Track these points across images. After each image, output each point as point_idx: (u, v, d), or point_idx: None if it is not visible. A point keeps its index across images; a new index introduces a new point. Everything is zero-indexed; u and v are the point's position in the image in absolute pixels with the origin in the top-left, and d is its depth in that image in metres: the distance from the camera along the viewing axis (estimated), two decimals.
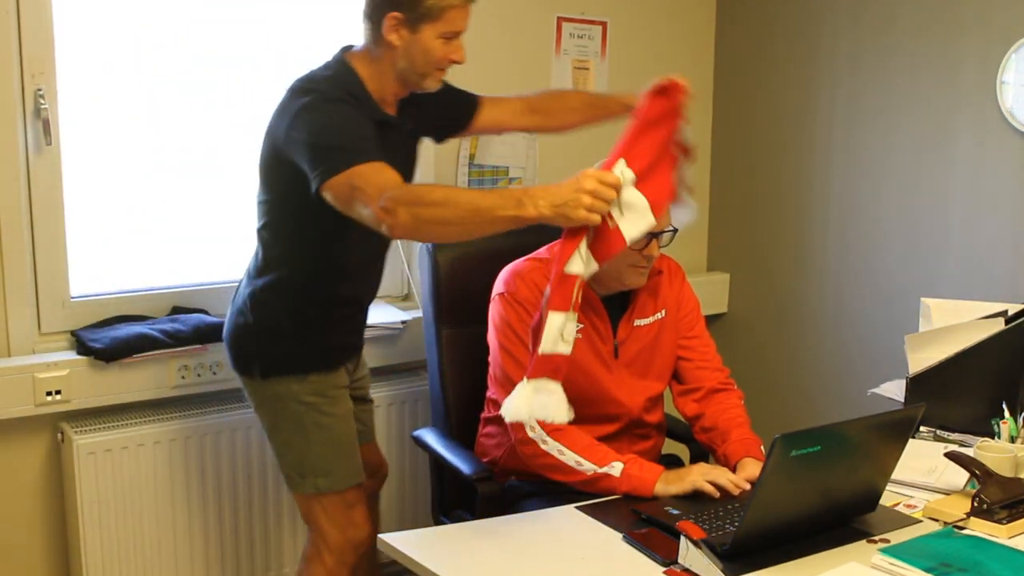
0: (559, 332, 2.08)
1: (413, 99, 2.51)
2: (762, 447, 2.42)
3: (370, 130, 2.30)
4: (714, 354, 2.63)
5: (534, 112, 2.73)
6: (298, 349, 2.51)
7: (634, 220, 2.09)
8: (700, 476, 2.21)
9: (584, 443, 2.32)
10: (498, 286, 2.51)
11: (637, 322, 2.53)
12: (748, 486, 2.21)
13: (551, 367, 2.09)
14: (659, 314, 2.56)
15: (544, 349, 2.07)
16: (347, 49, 2.46)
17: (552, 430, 2.33)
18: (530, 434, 2.34)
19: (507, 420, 2.17)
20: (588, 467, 2.28)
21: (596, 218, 2.03)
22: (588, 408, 2.45)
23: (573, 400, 2.41)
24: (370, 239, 2.34)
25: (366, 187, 2.14)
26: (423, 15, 2.31)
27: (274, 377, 2.51)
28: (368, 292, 2.66)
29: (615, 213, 2.07)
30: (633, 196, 2.08)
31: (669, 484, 2.22)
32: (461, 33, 2.37)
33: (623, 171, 2.08)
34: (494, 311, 2.50)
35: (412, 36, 2.34)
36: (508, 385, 2.40)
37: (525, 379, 2.09)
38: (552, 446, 2.32)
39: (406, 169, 2.51)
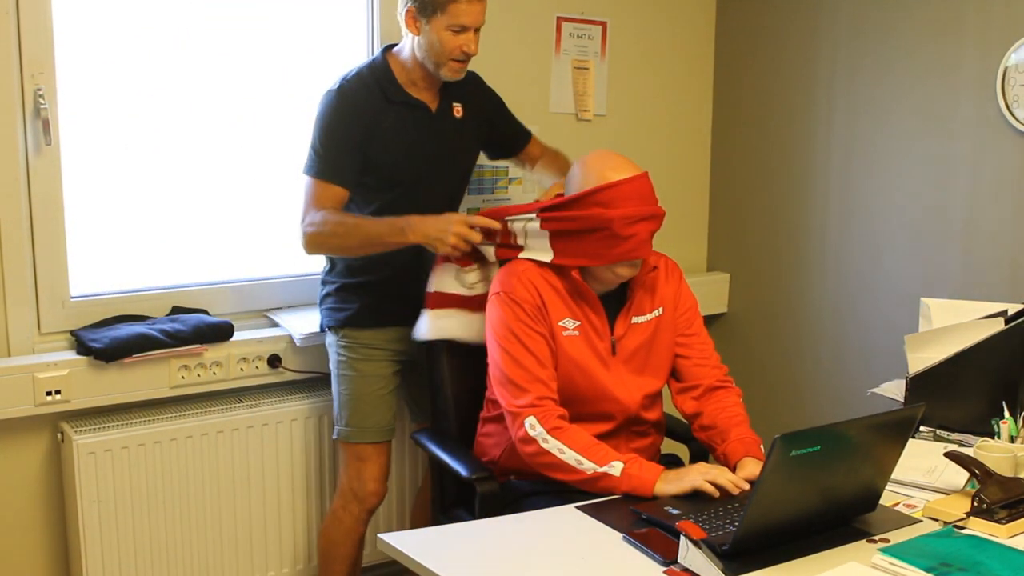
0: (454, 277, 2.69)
1: (467, 94, 2.92)
2: (762, 446, 2.43)
3: (355, 136, 2.74)
4: (712, 351, 2.63)
5: (542, 167, 3.15)
6: (337, 305, 2.91)
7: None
8: (700, 476, 2.21)
9: (585, 442, 2.33)
10: (494, 286, 2.52)
11: (634, 319, 2.54)
12: (748, 486, 2.21)
13: (446, 301, 2.68)
14: (656, 311, 2.56)
15: (435, 288, 2.71)
16: (390, 47, 2.87)
17: (552, 428, 2.33)
18: (530, 432, 2.34)
19: (417, 339, 2.72)
20: (588, 466, 2.28)
21: (457, 253, 2.62)
22: (585, 405, 2.46)
23: (570, 397, 2.43)
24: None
25: (308, 199, 2.73)
26: (431, 8, 2.66)
27: (326, 329, 2.96)
28: (408, 267, 2.85)
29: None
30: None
31: (669, 484, 2.22)
32: (471, 27, 2.70)
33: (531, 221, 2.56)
34: (491, 311, 2.50)
35: (426, 27, 2.69)
36: (508, 385, 2.40)
37: (425, 310, 2.70)
38: (552, 444, 2.32)
39: (436, 146, 2.86)
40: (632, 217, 2.39)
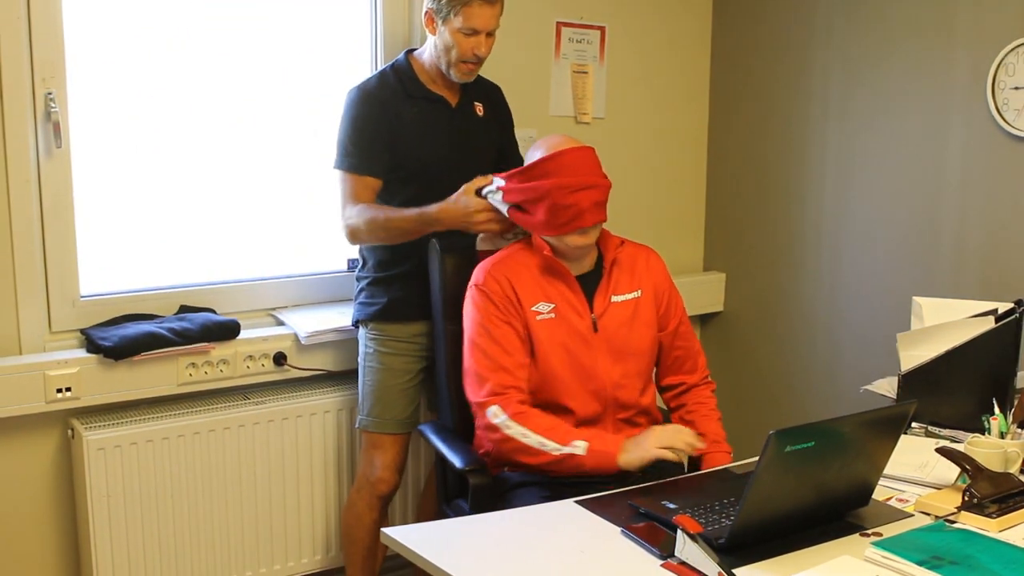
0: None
1: (488, 98, 3.05)
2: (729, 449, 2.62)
3: (380, 129, 2.85)
4: (699, 347, 2.77)
5: None
6: (367, 300, 3.00)
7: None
8: (656, 443, 2.33)
9: (546, 424, 2.39)
10: (471, 279, 2.60)
11: (614, 298, 2.59)
12: (702, 444, 2.36)
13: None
14: (635, 293, 2.62)
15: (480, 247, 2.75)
16: (412, 50, 2.98)
17: (515, 413, 2.40)
18: (494, 420, 2.41)
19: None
20: (552, 447, 2.35)
21: (494, 227, 2.67)
22: (569, 389, 2.51)
23: (553, 383, 2.50)
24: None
25: (344, 193, 2.87)
26: (446, 10, 2.76)
27: (357, 323, 3.05)
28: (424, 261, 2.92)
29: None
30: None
31: (630, 455, 2.33)
32: (483, 31, 2.78)
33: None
34: (466, 303, 2.58)
35: (441, 28, 2.80)
36: (472, 376, 2.48)
37: None
38: (516, 430, 2.38)
39: (458, 138, 2.95)
40: (571, 186, 2.46)
